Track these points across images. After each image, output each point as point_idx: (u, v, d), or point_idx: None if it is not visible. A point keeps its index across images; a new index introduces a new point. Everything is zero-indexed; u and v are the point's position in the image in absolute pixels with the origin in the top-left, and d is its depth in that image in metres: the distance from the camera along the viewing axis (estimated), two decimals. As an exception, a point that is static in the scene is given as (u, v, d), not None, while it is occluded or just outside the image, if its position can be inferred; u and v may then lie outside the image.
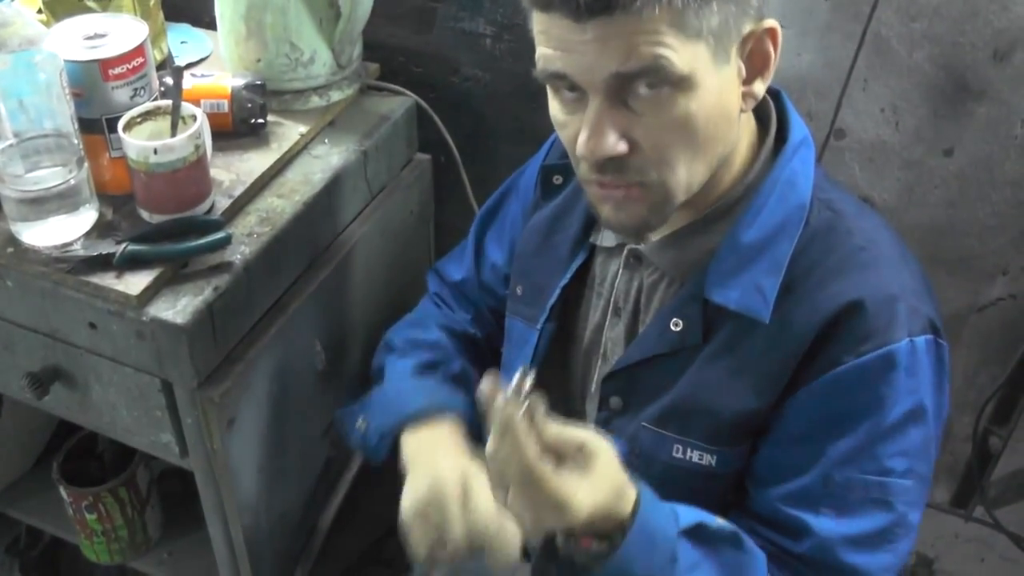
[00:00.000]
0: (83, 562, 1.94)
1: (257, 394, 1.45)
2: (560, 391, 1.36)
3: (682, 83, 0.97)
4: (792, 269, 1.10)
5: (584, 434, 1.01)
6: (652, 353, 1.17)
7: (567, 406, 1.36)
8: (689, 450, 1.17)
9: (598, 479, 0.99)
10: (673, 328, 1.15)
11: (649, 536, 1.03)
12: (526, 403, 0.95)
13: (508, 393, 0.95)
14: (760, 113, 1.16)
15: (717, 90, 1.01)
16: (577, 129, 1.03)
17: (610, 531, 1.02)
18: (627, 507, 1.02)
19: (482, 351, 1.50)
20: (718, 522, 1.10)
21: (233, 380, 1.37)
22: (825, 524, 1.10)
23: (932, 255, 1.62)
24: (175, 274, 1.33)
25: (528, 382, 0.96)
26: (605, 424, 1.24)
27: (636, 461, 1.20)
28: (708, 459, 1.16)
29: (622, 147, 1.00)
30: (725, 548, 1.10)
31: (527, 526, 1.00)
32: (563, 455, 0.99)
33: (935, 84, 1.49)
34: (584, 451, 0.99)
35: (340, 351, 1.62)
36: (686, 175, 1.04)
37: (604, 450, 1.01)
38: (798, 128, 1.15)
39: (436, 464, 1.25)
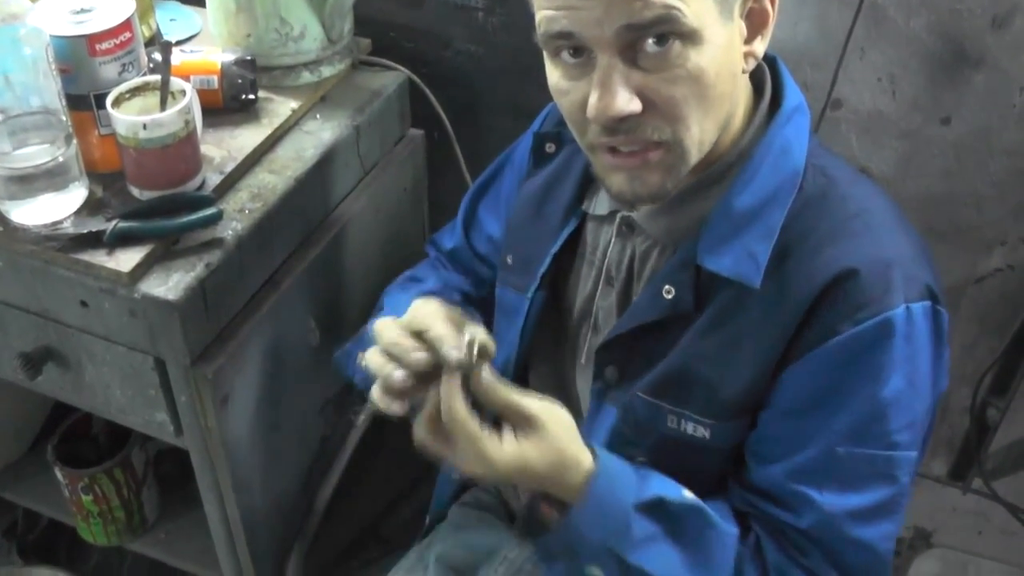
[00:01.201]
0: (81, 544, 1.94)
1: (251, 371, 1.44)
2: (552, 361, 1.35)
3: (692, 37, 0.97)
4: (785, 236, 1.08)
5: (537, 407, 1.04)
6: (644, 321, 1.16)
7: (559, 375, 1.35)
8: (683, 421, 1.15)
9: (539, 449, 1.03)
10: (665, 295, 1.13)
11: (601, 507, 1.07)
12: (471, 358, 1.01)
13: (460, 347, 1.01)
14: (755, 79, 1.15)
15: (724, 46, 1.00)
16: (582, 95, 1.01)
17: (565, 499, 1.07)
18: (579, 478, 1.06)
19: (479, 310, 1.49)
20: (684, 496, 1.11)
21: (226, 357, 1.36)
22: (829, 499, 1.09)
23: (929, 226, 1.61)
24: (166, 251, 1.32)
25: (477, 345, 1.01)
26: (600, 394, 1.23)
27: (630, 431, 1.19)
28: (702, 431, 1.15)
29: (635, 105, 0.99)
30: (687, 523, 1.11)
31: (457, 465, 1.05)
32: (509, 419, 1.04)
33: (932, 52, 1.48)
34: (531, 423, 1.04)
35: (334, 328, 1.60)
36: (699, 132, 1.03)
37: (553, 423, 1.05)
38: (793, 94, 1.14)
39: None
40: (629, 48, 0.98)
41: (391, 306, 1.43)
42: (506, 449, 1.02)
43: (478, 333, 1.02)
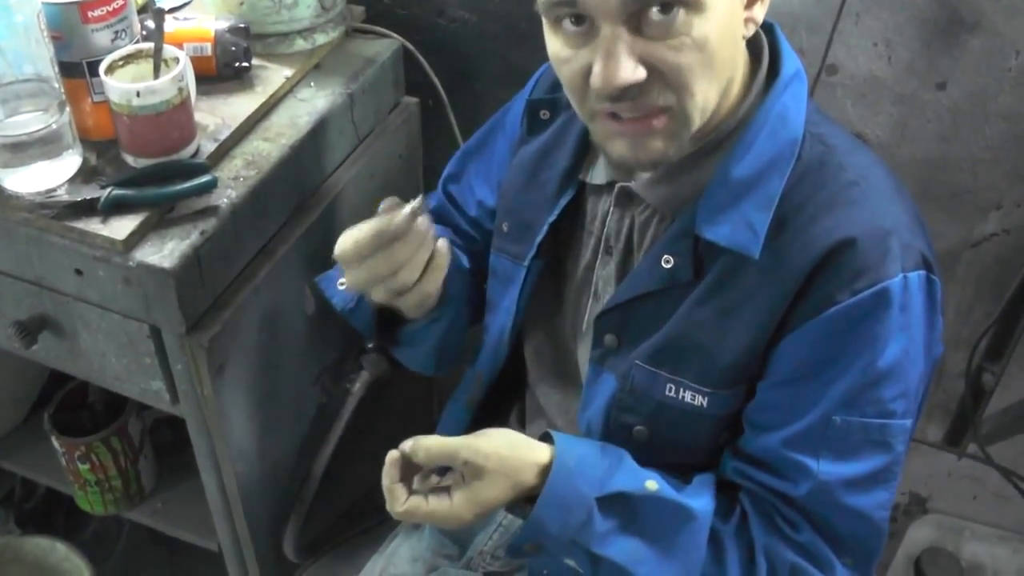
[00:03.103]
0: (78, 514, 1.94)
1: (247, 339, 1.44)
2: (550, 329, 1.36)
3: (696, 5, 0.97)
4: (783, 205, 1.08)
5: (459, 446, 1.12)
6: (643, 290, 1.16)
7: (558, 344, 1.36)
8: (681, 390, 1.16)
9: (486, 481, 1.11)
10: (664, 265, 1.14)
11: (562, 501, 1.11)
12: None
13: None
14: (753, 46, 1.14)
15: (727, 12, 1.00)
16: (583, 63, 1.01)
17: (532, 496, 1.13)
18: (536, 479, 1.12)
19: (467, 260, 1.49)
20: (646, 488, 1.13)
21: (222, 325, 1.36)
22: (825, 467, 1.09)
23: (925, 190, 1.61)
24: (161, 218, 1.32)
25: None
26: (599, 362, 1.23)
27: (628, 399, 1.19)
28: (700, 400, 1.15)
29: (640, 72, 0.99)
30: (649, 514, 1.13)
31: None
32: (454, 467, 1.13)
33: (928, 16, 1.47)
34: (467, 463, 1.11)
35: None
36: (702, 99, 1.03)
37: (484, 452, 1.11)
38: (790, 62, 1.13)
39: None
40: (633, 16, 0.97)
41: None
42: (457, 502, 1.11)
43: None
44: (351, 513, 1.72)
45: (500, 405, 1.49)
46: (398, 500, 1.12)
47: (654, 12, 0.97)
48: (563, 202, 1.27)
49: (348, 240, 1.16)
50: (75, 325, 1.41)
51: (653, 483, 1.13)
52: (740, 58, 1.10)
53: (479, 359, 1.42)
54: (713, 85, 1.03)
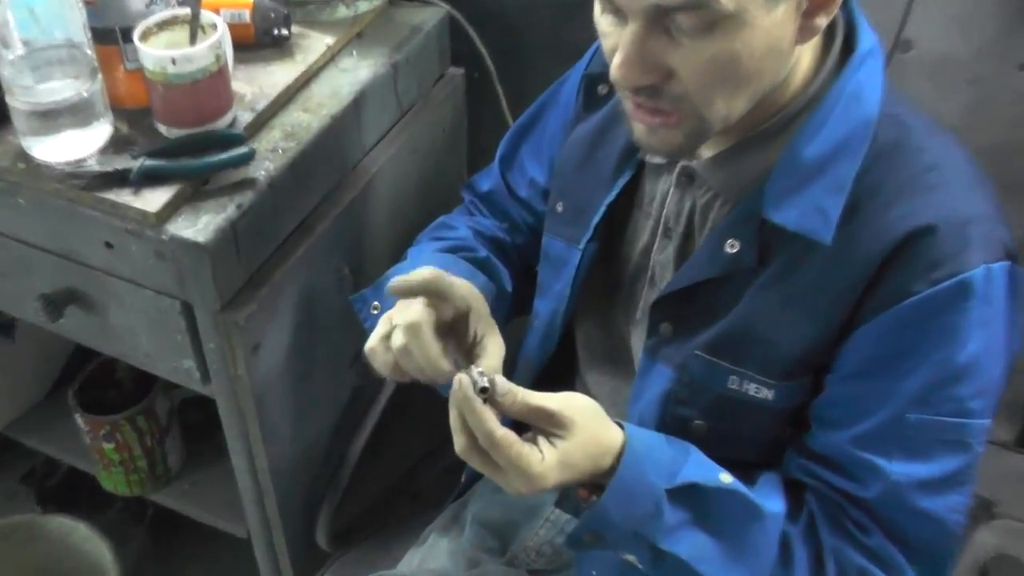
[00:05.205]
0: (101, 493, 1.95)
1: (283, 318, 1.43)
2: (603, 315, 1.34)
3: (728, 20, 0.94)
4: (856, 189, 1.05)
5: (555, 403, 1.04)
6: (704, 277, 1.14)
7: (611, 331, 1.34)
8: (745, 382, 1.14)
9: (577, 444, 1.04)
10: (727, 250, 1.11)
11: (631, 490, 1.07)
12: (481, 385, 1.02)
13: (466, 380, 1.02)
14: None
15: (767, 28, 0.96)
16: (614, 44, 1.00)
17: (601, 482, 1.08)
18: (610, 460, 1.07)
19: (511, 257, 1.47)
20: (720, 481, 1.10)
21: (258, 303, 1.35)
22: (897, 468, 1.07)
23: (998, 178, 1.56)
24: (195, 191, 1.31)
25: (480, 376, 1.03)
26: (653, 351, 1.21)
27: (685, 391, 1.18)
28: (765, 392, 1.13)
29: (654, 78, 0.98)
30: (723, 509, 1.10)
31: (504, 488, 1.06)
32: (536, 424, 1.05)
33: (1009, -8, 1.44)
34: (559, 421, 1.04)
35: (368, 276, 1.59)
36: (724, 109, 1.01)
37: (580, 414, 1.05)
38: (866, 37, 1.10)
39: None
40: (660, 18, 0.96)
41: (414, 256, 1.41)
42: (548, 460, 1.03)
43: (480, 368, 1.05)
44: (386, 500, 1.70)
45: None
46: (486, 422, 1.00)
47: (682, 17, 0.94)
48: (621, 182, 1.25)
49: (383, 357, 1.16)
50: (104, 300, 1.41)
51: (727, 476, 1.10)
52: (789, 64, 1.06)
53: (527, 344, 1.40)
54: (740, 96, 1.01)
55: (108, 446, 1.78)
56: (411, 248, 1.46)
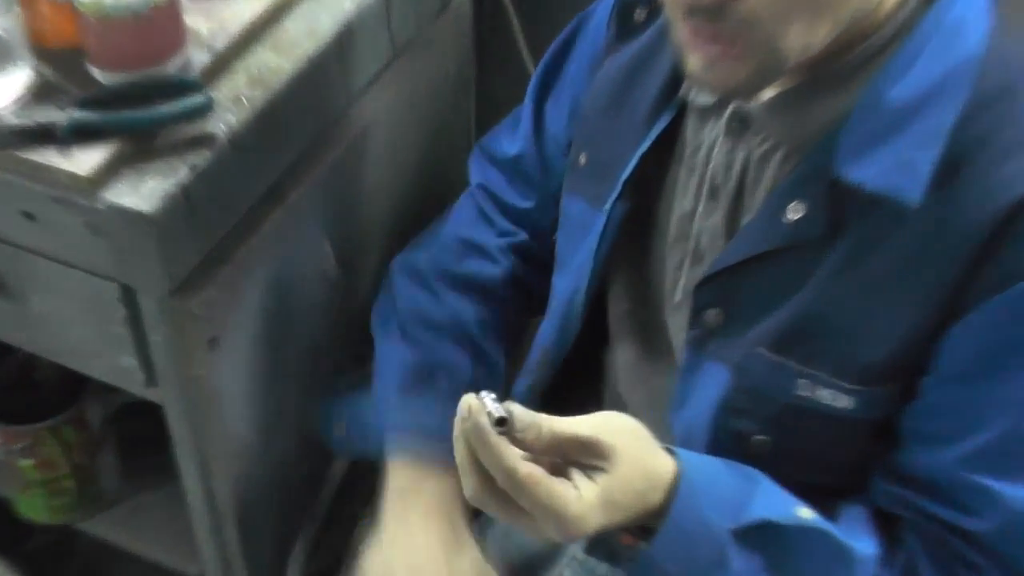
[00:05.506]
0: (19, 523, 1.95)
1: (248, 306, 1.45)
2: (634, 297, 1.35)
3: None
4: (955, 143, 1.05)
5: (589, 427, 1.02)
6: (760, 249, 1.14)
7: (644, 317, 1.35)
8: (817, 387, 1.14)
9: (620, 480, 1.02)
10: (789, 215, 1.11)
11: (686, 534, 1.06)
12: (497, 416, 0.99)
13: (477, 406, 0.99)
14: None
15: None
16: None
17: (647, 524, 1.06)
18: (659, 495, 1.06)
19: (535, 278, 1.50)
20: (799, 517, 1.09)
21: (217, 287, 1.36)
22: (1017, 493, 1.07)
23: None
24: (139, 150, 1.31)
25: (495, 403, 1.00)
26: (699, 345, 1.22)
27: (744, 398, 1.18)
28: (844, 401, 1.13)
29: None
30: (804, 553, 1.10)
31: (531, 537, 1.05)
32: (567, 457, 1.02)
33: None
34: (591, 450, 1.02)
35: (356, 255, 1.61)
36: (802, 39, 1.01)
37: (620, 441, 1.02)
38: None
39: (409, 540, 1.38)
40: None
41: (382, 374, 1.50)
42: (586, 498, 1.00)
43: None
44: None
45: (572, 394, 1.46)
46: (505, 457, 0.97)
47: None
48: (659, 127, 1.26)
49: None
50: (23, 284, 1.42)
51: (806, 510, 1.10)
52: None
53: (543, 330, 1.42)
54: (822, 23, 1.01)
55: (26, 463, 1.79)
56: (382, 333, 1.53)
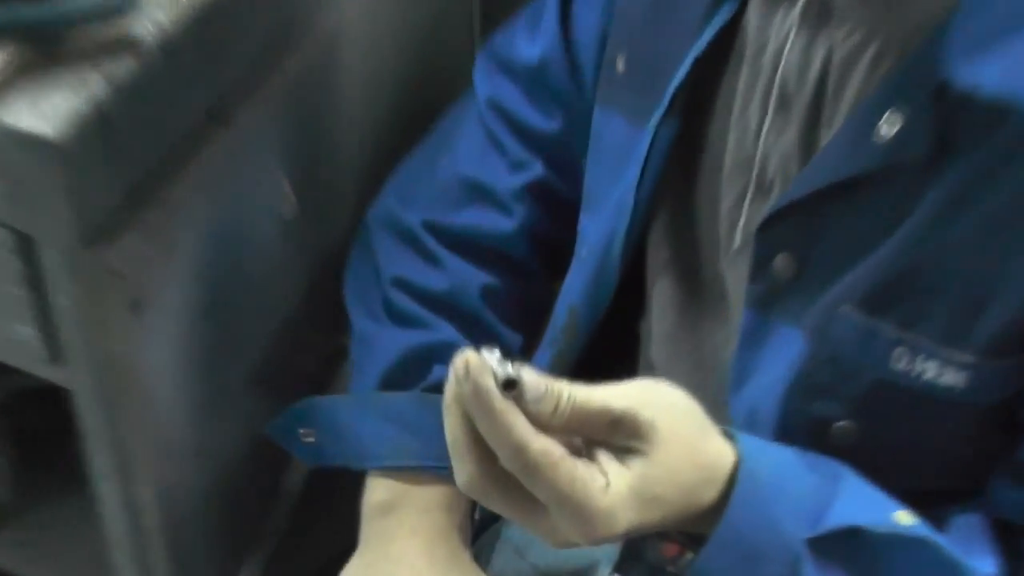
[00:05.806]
0: None
1: (184, 260, 1.43)
2: (681, 240, 1.35)
3: None
4: None
5: (624, 400, 1.00)
6: (847, 175, 1.13)
7: (694, 266, 1.34)
8: (921, 359, 1.12)
9: (650, 471, 1.00)
10: (884, 131, 1.10)
11: (747, 544, 1.05)
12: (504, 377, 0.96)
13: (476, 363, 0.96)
14: None
15: None
16: None
17: (695, 529, 1.06)
18: (713, 492, 1.05)
19: (560, 231, 1.51)
20: (896, 523, 1.09)
21: (142, 236, 1.34)
22: None
23: None
24: (40, 56, 1.30)
25: (501, 362, 0.97)
26: (765, 303, 1.21)
27: (825, 371, 1.17)
28: (954, 377, 1.12)
29: None
30: (901, 568, 1.09)
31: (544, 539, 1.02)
32: (594, 437, 1.00)
33: None
34: (625, 428, 0.99)
35: (325, 197, 1.61)
36: None
37: (662, 419, 1.00)
38: None
39: (393, 568, 1.43)
40: None
41: (360, 368, 1.54)
42: (616, 488, 0.98)
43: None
44: (349, 555, 1.72)
45: (604, 368, 1.43)
46: (514, 428, 0.94)
47: None
48: (717, 24, 1.25)
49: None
50: None
51: (907, 515, 1.09)
52: None
53: (571, 286, 1.43)
54: None
55: None
56: (359, 316, 1.57)
